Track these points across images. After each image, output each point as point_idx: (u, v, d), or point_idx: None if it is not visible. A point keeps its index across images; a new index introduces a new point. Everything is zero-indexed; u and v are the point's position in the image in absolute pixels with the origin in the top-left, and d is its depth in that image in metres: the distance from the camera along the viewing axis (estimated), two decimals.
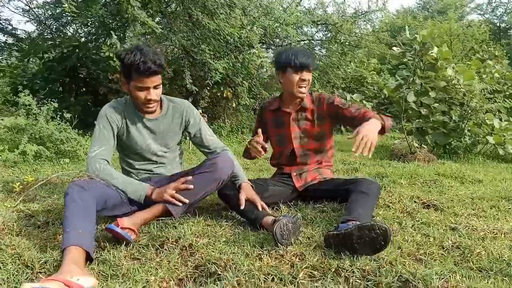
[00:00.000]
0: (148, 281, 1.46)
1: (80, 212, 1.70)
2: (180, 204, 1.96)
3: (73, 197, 1.74)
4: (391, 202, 2.47)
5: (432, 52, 4.72)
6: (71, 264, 1.45)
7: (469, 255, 1.70)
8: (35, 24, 8.14)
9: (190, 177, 2.03)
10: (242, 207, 2.06)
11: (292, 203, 2.48)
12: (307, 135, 2.47)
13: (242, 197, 2.09)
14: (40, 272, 1.53)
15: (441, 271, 1.50)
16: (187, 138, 2.44)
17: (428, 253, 1.72)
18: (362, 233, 1.59)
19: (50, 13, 7.25)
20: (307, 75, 2.34)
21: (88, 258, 1.59)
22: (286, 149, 2.51)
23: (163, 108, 2.21)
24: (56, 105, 4.49)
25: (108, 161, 2.03)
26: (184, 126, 2.29)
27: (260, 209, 2.07)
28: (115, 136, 2.11)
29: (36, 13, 8.04)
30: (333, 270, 1.52)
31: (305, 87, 2.37)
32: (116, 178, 1.98)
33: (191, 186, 2.00)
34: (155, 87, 2.04)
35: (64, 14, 6.84)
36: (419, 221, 2.14)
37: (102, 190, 1.88)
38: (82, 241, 1.57)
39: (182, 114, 2.26)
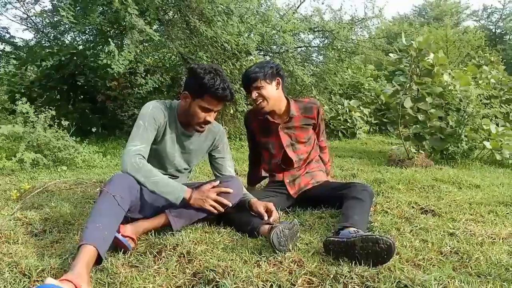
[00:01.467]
0: None
1: (115, 211, 1.71)
2: (216, 212, 1.97)
3: (116, 187, 1.75)
4: (389, 208, 2.47)
5: (428, 58, 4.74)
6: (84, 268, 1.45)
7: (467, 261, 1.70)
8: (33, 32, 8.13)
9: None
10: (267, 218, 2.05)
11: (290, 209, 2.48)
12: (298, 141, 2.51)
13: (261, 209, 2.09)
14: (37, 281, 1.52)
15: (440, 276, 1.51)
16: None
17: (427, 258, 1.72)
18: (366, 245, 1.58)
19: (48, 21, 7.25)
20: (254, 94, 2.37)
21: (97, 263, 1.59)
22: (277, 156, 2.54)
23: None
24: (53, 112, 4.48)
25: (145, 159, 1.97)
26: (211, 149, 2.30)
27: (272, 221, 2.04)
28: (154, 136, 2.05)
29: (34, 21, 8.05)
30: (331, 276, 1.52)
31: (260, 102, 2.38)
32: (156, 176, 1.90)
33: (231, 190, 2.01)
34: (216, 111, 2.05)
35: (62, 22, 6.84)
36: (417, 226, 2.14)
37: (135, 192, 1.91)
38: (103, 245, 1.58)
39: (215, 138, 2.27)
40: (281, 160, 2.53)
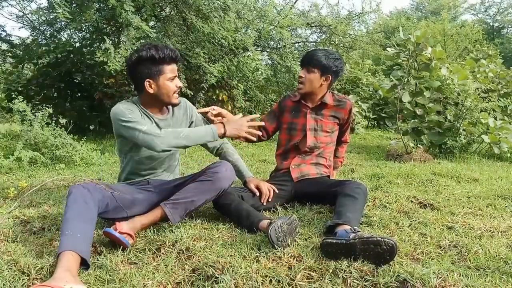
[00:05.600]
0: (145, 286, 1.46)
1: (81, 215, 1.68)
2: (255, 138, 2.17)
3: (76, 198, 1.72)
4: (387, 202, 2.48)
5: (426, 53, 4.73)
6: (65, 271, 1.45)
7: (466, 254, 1.71)
8: (29, 30, 8.10)
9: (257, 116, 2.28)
10: (258, 194, 2.32)
11: (289, 205, 2.48)
12: (322, 129, 2.56)
13: (252, 187, 2.35)
14: (36, 279, 1.52)
15: (439, 270, 1.51)
16: None
17: (426, 252, 1.72)
18: (366, 247, 1.57)
19: (44, 19, 7.22)
20: (302, 72, 2.49)
21: (84, 264, 1.58)
22: (295, 139, 2.58)
23: (169, 107, 2.23)
24: (51, 110, 4.47)
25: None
26: (189, 122, 2.32)
27: (265, 202, 2.32)
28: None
29: (30, 19, 8.02)
30: (330, 271, 1.52)
31: (301, 81, 2.50)
32: (182, 132, 1.98)
33: (262, 123, 2.29)
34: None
35: (58, 20, 6.81)
36: (416, 220, 2.14)
37: (106, 193, 1.88)
38: (80, 247, 1.56)
39: (186, 110, 2.31)
40: (300, 142, 2.57)
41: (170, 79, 2.06)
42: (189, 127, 2.32)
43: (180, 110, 2.27)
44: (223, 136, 2.05)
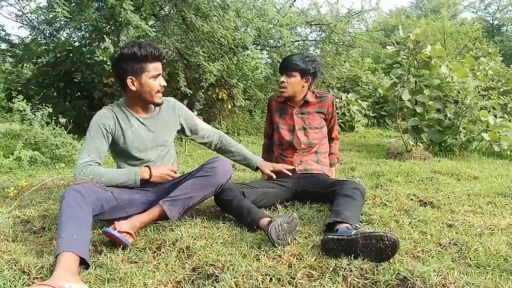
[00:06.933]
0: (145, 285, 1.46)
1: (75, 217, 1.68)
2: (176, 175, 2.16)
3: (69, 202, 1.72)
4: (387, 201, 2.47)
5: (425, 51, 4.73)
6: (65, 270, 1.45)
7: (466, 252, 1.71)
8: (29, 30, 8.11)
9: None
10: (275, 177, 2.46)
11: (289, 203, 2.48)
12: (310, 126, 2.64)
13: (268, 172, 2.45)
14: (37, 278, 1.52)
15: (439, 268, 1.51)
16: (183, 139, 2.46)
17: (426, 250, 1.72)
18: (368, 242, 1.56)
19: (43, 18, 7.22)
20: (283, 77, 2.59)
21: (84, 264, 1.58)
22: (285, 138, 2.65)
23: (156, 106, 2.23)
24: (50, 110, 4.47)
25: (96, 164, 2.00)
26: (179, 122, 2.31)
27: (289, 173, 2.46)
28: (108, 142, 2.08)
29: (29, 18, 8.02)
30: (331, 269, 1.52)
31: (284, 86, 2.59)
32: (105, 175, 1.96)
33: (176, 172, 2.17)
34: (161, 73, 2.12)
35: (57, 19, 6.81)
36: (416, 218, 2.14)
37: (99, 195, 1.87)
38: (76, 247, 1.56)
39: (174, 110, 2.29)
40: (293, 140, 2.64)
41: (153, 77, 2.04)
42: (180, 126, 2.33)
43: (168, 109, 2.26)
44: (146, 181, 2.08)
